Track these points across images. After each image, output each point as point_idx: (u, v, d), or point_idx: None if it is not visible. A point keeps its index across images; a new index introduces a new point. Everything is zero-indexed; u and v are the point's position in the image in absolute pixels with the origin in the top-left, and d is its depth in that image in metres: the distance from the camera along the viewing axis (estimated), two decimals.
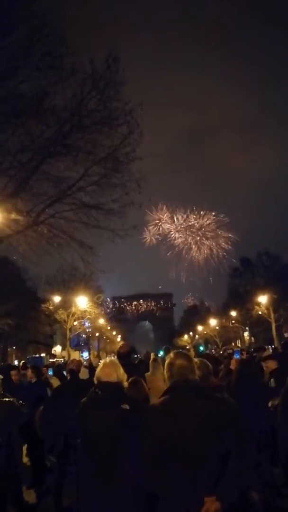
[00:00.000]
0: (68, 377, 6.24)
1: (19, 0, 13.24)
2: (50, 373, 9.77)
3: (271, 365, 5.35)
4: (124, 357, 5.49)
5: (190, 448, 2.44)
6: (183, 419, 2.52)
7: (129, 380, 3.62)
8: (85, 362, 17.72)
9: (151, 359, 7.92)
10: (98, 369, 3.33)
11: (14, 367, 10.38)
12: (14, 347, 46.74)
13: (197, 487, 2.38)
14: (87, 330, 40.63)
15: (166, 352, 8.35)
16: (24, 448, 6.31)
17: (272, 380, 4.97)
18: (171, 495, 2.43)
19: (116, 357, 5.77)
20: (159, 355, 11.66)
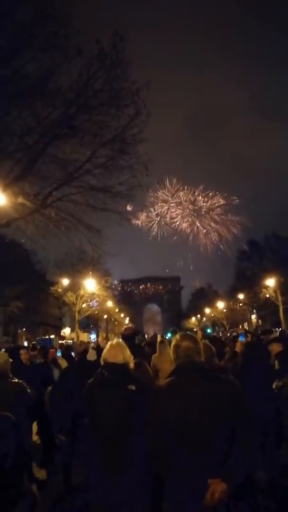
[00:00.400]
0: (76, 358, 6.33)
1: None
2: (59, 354, 9.89)
3: (275, 347, 5.35)
4: (128, 338, 5.64)
5: (195, 430, 2.45)
6: (188, 400, 2.52)
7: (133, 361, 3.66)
8: (93, 344, 17.92)
9: (158, 341, 7.98)
10: (104, 351, 3.36)
11: (24, 347, 10.54)
12: (24, 329, 47.38)
13: (202, 469, 2.39)
14: (95, 312, 40.90)
15: (173, 334, 8.41)
16: (34, 427, 6.43)
17: (276, 362, 5.00)
18: (176, 477, 2.44)
19: (121, 339, 5.91)
20: (167, 337, 11.73)
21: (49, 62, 13.51)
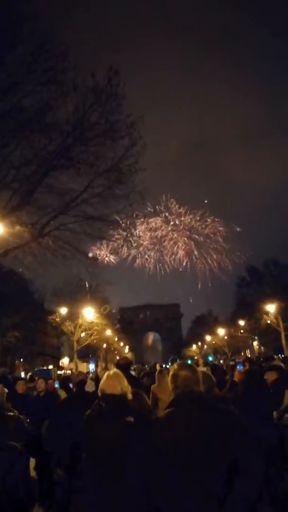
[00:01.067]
0: (74, 390, 6.24)
1: (23, 18, 13.47)
2: (57, 385, 9.71)
3: (270, 376, 5.34)
4: (124, 368, 5.60)
5: (196, 462, 2.39)
6: (188, 432, 2.47)
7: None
8: (91, 375, 17.62)
9: (157, 371, 7.88)
10: (102, 381, 3.32)
11: (21, 378, 10.37)
12: (21, 360, 46.70)
13: (204, 503, 2.32)
14: (94, 341, 40.48)
15: (173, 363, 8.31)
16: (32, 462, 6.26)
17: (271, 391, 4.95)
18: (176, 509, 2.38)
19: (116, 368, 5.88)
20: (167, 366, 11.58)
21: (46, 96, 13.93)
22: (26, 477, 2.98)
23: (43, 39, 13.55)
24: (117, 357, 63.45)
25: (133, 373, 8.64)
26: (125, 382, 3.27)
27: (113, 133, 14.58)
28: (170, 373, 2.89)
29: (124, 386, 3.21)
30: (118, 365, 5.87)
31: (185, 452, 2.42)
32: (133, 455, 2.81)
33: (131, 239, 16.38)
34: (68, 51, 13.73)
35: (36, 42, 13.57)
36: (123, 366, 5.81)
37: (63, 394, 8.53)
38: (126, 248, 16.17)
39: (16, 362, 44.90)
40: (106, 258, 16.17)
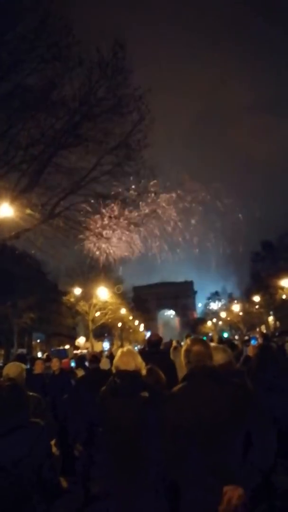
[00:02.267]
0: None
1: None
2: (73, 364, 9.86)
3: None
4: (154, 345, 5.62)
5: (210, 434, 2.41)
6: (201, 405, 2.48)
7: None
8: (106, 352, 17.84)
9: (172, 347, 7.91)
10: (116, 358, 3.35)
11: (39, 358, 10.55)
12: (38, 340, 47.56)
13: (218, 474, 2.33)
14: (109, 320, 40.93)
15: (187, 339, 8.34)
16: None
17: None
18: (191, 483, 2.40)
19: (147, 345, 5.95)
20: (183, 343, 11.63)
21: (51, 73, 13.66)
22: (49, 452, 3.05)
23: (45, 14, 13.18)
24: (132, 335, 64.08)
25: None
26: (139, 358, 3.29)
27: (121, 108, 14.33)
28: (183, 348, 2.90)
29: (138, 363, 3.24)
30: (149, 342, 5.88)
31: (199, 425, 2.44)
32: (148, 429, 2.85)
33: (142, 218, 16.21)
34: (71, 26, 13.37)
35: (37, 18, 13.20)
36: (154, 343, 5.82)
37: (80, 373, 8.67)
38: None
39: (33, 343, 45.75)
40: (117, 237, 16.04)
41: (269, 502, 3.26)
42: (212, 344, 3.41)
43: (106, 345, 39.88)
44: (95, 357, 6.52)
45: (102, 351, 19.55)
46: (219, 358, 3.44)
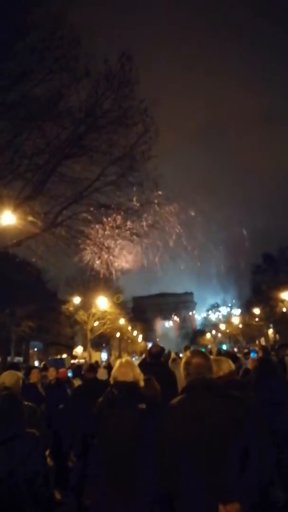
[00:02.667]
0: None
1: (33, 3, 13.29)
2: (70, 374, 9.81)
3: None
4: (156, 356, 5.57)
5: (206, 448, 2.40)
6: (199, 418, 2.48)
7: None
8: (104, 363, 17.75)
9: (171, 358, 7.87)
10: (114, 369, 3.33)
11: (35, 367, 10.49)
12: (35, 349, 47.30)
13: (214, 489, 2.32)
14: (107, 330, 40.75)
15: (185, 351, 8.29)
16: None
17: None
18: (187, 497, 2.39)
19: (148, 356, 5.88)
20: (181, 355, 11.56)
21: (58, 84, 13.80)
22: (43, 463, 3.03)
23: (54, 25, 13.38)
24: (130, 346, 63.52)
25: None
26: (137, 369, 3.28)
27: (126, 120, 14.42)
28: (183, 360, 2.91)
29: (136, 374, 3.23)
30: (150, 353, 5.81)
31: (196, 438, 2.43)
32: (144, 441, 2.83)
33: (144, 229, 16.23)
34: (80, 37, 13.56)
35: (47, 28, 13.40)
36: (155, 354, 5.75)
37: (77, 383, 8.63)
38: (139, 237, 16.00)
39: (30, 351, 45.48)
40: (119, 248, 16.06)
41: None
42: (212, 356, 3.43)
43: (104, 355, 39.68)
44: (92, 367, 6.49)
45: (97, 362, 19.46)
46: (225, 367, 3.50)
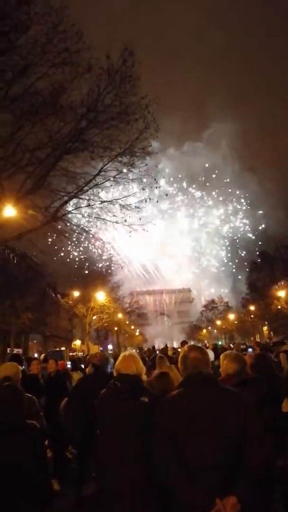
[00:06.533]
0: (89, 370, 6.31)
1: None
2: (69, 366, 9.91)
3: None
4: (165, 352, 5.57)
5: (202, 440, 2.44)
6: (195, 411, 2.51)
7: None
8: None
9: (157, 357, 7.93)
10: (117, 362, 3.35)
11: (35, 358, 10.57)
12: (35, 341, 47.39)
13: (210, 481, 2.36)
14: (105, 324, 40.90)
15: (182, 346, 8.40)
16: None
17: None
18: (184, 488, 2.41)
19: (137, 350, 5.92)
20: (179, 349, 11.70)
21: (60, 78, 13.79)
22: (44, 454, 3.07)
23: (57, 19, 13.34)
24: (127, 340, 63.51)
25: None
26: (140, 363, 3.30)
27: (127, 116, 14.44)
28: (180, 355, 2.94)
29: (139, 367, 3.25)
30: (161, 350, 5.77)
31: (192, 432, 2.46)
32: (146, 433, 2.86)
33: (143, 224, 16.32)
34: (82, 32, 13.53)
35: (49, 22, 13.36)
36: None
37: (75, 376, 8.72)
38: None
39: (29, 343, 45.57)
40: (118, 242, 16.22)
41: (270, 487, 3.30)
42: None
43: (109, 347, 39.77)
44: (100, 361, 6.53)
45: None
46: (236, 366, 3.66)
